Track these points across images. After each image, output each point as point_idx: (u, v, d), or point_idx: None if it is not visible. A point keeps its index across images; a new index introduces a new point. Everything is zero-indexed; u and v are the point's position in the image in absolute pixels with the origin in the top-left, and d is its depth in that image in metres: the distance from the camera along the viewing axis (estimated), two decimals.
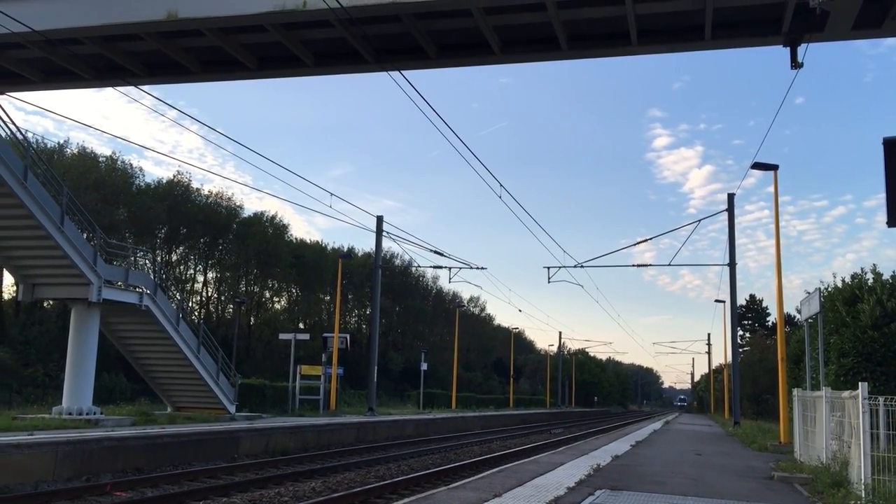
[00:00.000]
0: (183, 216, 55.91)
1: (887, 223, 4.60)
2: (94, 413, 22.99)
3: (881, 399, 11.37)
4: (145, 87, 19.11)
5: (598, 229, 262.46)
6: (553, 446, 26.08)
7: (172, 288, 54.85)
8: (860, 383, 11.22)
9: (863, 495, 10.43)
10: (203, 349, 27.40)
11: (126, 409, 27.51)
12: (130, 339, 26.72)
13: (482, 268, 42.21)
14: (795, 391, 19.90)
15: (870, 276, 25.42)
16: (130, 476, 15.98)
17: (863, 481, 10.64)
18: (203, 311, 59.87)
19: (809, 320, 20.82)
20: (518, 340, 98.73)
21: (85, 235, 23.49)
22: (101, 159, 51.86)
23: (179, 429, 20.24)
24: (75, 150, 50.74)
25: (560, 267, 37.69)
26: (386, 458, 21.86)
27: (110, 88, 19.96)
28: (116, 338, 26.79)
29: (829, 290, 26.10)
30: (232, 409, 28.75)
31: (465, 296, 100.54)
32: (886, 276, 25.04)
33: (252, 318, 64.11)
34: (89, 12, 15.92)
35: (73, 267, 22.21)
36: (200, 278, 61.01)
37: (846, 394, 12.50)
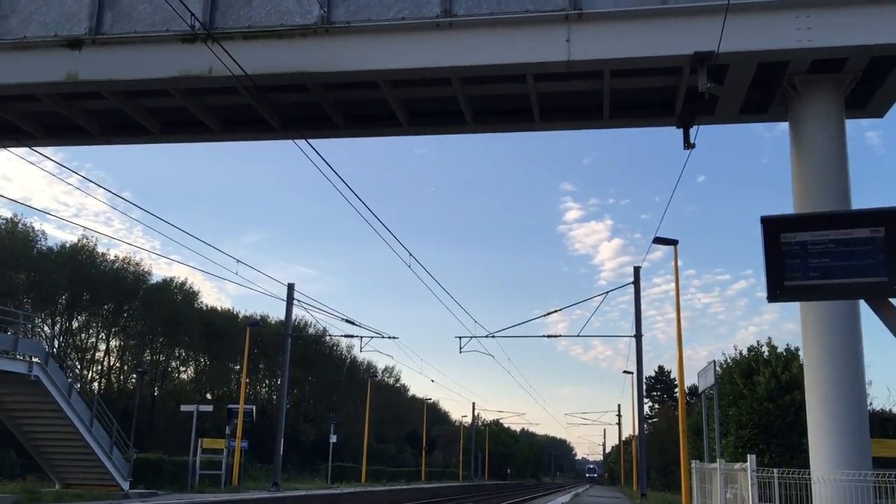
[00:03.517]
0: (87, 281, 53.87)
1: (767, 299, 4.72)
2: None
3: (776, 471, 11.57)
4: (46, 150, 18.53)
5: (513, 300, 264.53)
6: None
7: (72, 355, 52.56)
8: (749, 456, 11.47)
9: None
10: (97, 422, 26.14)
11: (10, 486, 25.82)
12: (17, 411, 25.27)
13: (394, 337, 41.87)
14: (694, 463, 20.20)
15: (765, 349, 26.32)
16: None
17: None
18: (104, 380, 57.28)
19: (707, 392, 21.30)
20: (433, 411, 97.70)
21: None
22: (0, 222, 49.95)
23: None
24: None
25: (471, 337, 37.70)
26: None
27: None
28: (2, 409, 25.31)
29: (729, 362, 26.88)
30: (125, 485, 27.33)
31: (381, 366, 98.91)
32: (781, 348, 25.99)
33: (156, 389, 61.65)
34: None
35: None
36: (103, 346, 58.58)
37: (738, 466, 12.73)
